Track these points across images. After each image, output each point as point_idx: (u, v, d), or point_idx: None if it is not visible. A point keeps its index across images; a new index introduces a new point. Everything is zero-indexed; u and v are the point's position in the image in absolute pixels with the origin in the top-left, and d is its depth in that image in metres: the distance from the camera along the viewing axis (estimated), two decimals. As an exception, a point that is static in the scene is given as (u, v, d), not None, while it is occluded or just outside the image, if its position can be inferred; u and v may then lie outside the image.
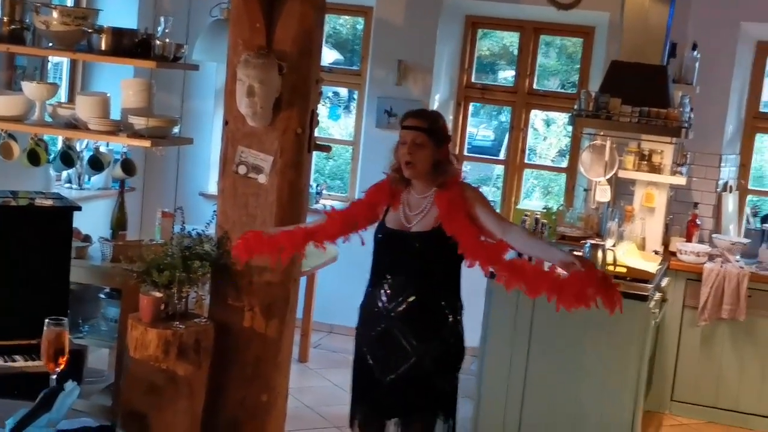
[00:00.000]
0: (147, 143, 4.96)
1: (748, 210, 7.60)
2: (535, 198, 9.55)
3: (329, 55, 9.22)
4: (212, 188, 7.77)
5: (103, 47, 4.99)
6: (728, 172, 7.45)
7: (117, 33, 4.99)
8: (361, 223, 4.28)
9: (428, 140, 4.12)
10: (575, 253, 3.94)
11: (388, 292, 4.16)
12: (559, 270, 3.89)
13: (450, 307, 4.22)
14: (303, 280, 6.64)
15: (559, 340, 5.73)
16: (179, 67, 5.25)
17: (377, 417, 4.32)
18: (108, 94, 5.27)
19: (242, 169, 4.68)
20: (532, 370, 5.80)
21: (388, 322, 4.16)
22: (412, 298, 4.13)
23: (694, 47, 7.00)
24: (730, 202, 7.38)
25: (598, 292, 3.69)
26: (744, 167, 7.64)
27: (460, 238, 4.04)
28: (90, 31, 4.99)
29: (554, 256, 3.96)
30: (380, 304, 4.18)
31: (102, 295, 5.46)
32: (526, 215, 6.12)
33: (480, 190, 4.28)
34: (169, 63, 5.07)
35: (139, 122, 5.00)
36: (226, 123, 4.72)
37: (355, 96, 8.42)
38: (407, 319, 4.13)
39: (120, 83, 5.28)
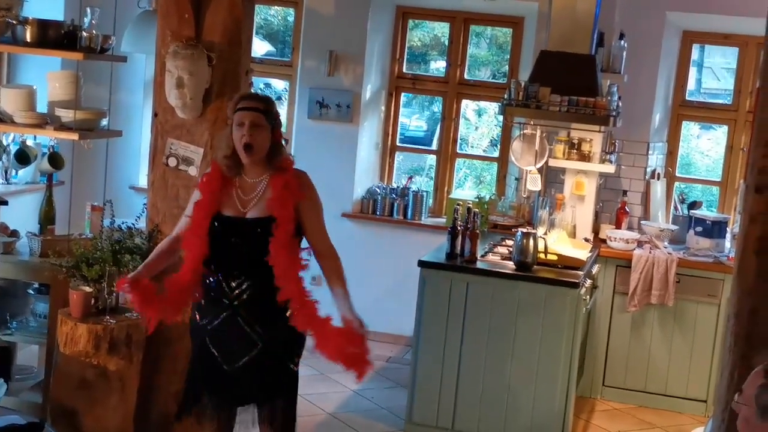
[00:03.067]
0: (75, 136, 4.90)
1: (675, 197, 7.73)
2: (467, 187, 9.60)
3: (261, 47, 9.17)
4: (143, 181, 7.69)
5: (28, 39, 4.90)
6: (656, 159, 7.57)
7: (42, 24, 4.91)
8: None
9: (266, 121, 4.12)
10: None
11: (228, 279, 4.12)
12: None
13: None
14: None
15: (492, 328, 5.78)
16: (107, 58, 5.18)
17: (227, 405, 4.28)
18: (34, 87, 5.20)
19: (172, 162, 4.65)
20: (466, 359, 5.84)
21: (230, 310, 4.12)
22: (251, 285, 4.10)
23: (622, 36, 7.09)
24: (658, 189, 7.50)
25: (351, 360, 4.02)
26: (671, 155, 7.76)
27: (278, 225, 4.06)
28: (15, 22, 4.90)
29: (343, 307, 4.08)
30: (220, 293, 4.13)
31: (30, 291, 5.38)
32: (458, 204, 6.15)
33: (312, 185, 4.25)
34: (96, 55, 5.01)
35: (66, 115, 4.94)
36: (155, 115, 4.68)
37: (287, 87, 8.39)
38: (249, 306, 4.10)
39: (46, 76, 5.20)
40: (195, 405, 4.28)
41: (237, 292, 4.11)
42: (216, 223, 4.14)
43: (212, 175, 4.19)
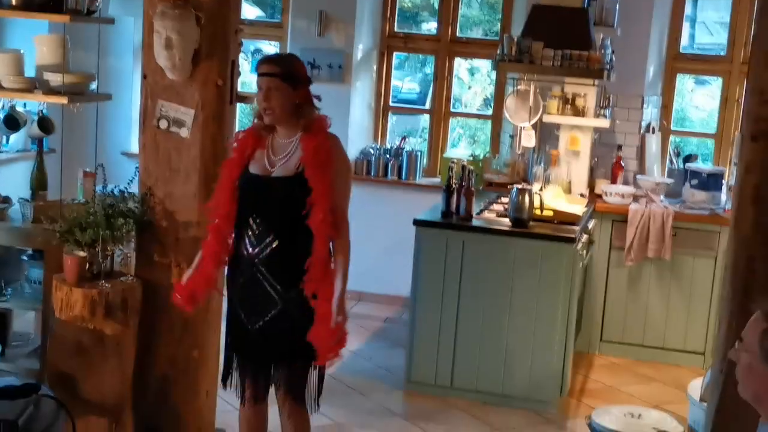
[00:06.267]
0: (64, 100, 4.84)
1: (670, 150, 7.70)
2: (462, 147, 9.57)
3: (251, 12, 9.09)
4: (134, 147, 7.64)
5: (13, 2, 4.82)
6: (650, 113, 7.53)
7: (28, -13, 4.84)
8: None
9: (283, 84, 4.08)
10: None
11: (252, 237, 4.12)
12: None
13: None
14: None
15: (489, 285, 5.77)
16: (94, 21, 5.10)
17: (254, 366, 4.28)
18: (21, 51, 5.13)
19: (163, 124, 4.60)
20: (463, 317, 5.83)
21: (254, 268, 4.11)
22: (275, 244, 4.08)
23: (614, -10, 7.03)
24: (653, 143, 7.47)
25: (320, 344, 4.07)
26: (666, 108, 7.72)
27: (315, 188, 4.02)
28: (-1, -15, 4.84)
29: (334, 301, 4.06)
30: (245, 251, 4.13)
31: (24, 257, 5.34)
32: (452, 163, 6.12)
33: (344, 153, 4.23)
34: (83, 17, 4.94)
35: (54, 79, 4.88)
36: (144, 77, 4.63)
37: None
38: (271, 265, 4.09)
39: (33, 39, 5.13)
40: (231, 365, 4.33)
41: (258, 249, 4.11)
42: (241, 180, 4.16)
43: (246, 133, 4.23)
